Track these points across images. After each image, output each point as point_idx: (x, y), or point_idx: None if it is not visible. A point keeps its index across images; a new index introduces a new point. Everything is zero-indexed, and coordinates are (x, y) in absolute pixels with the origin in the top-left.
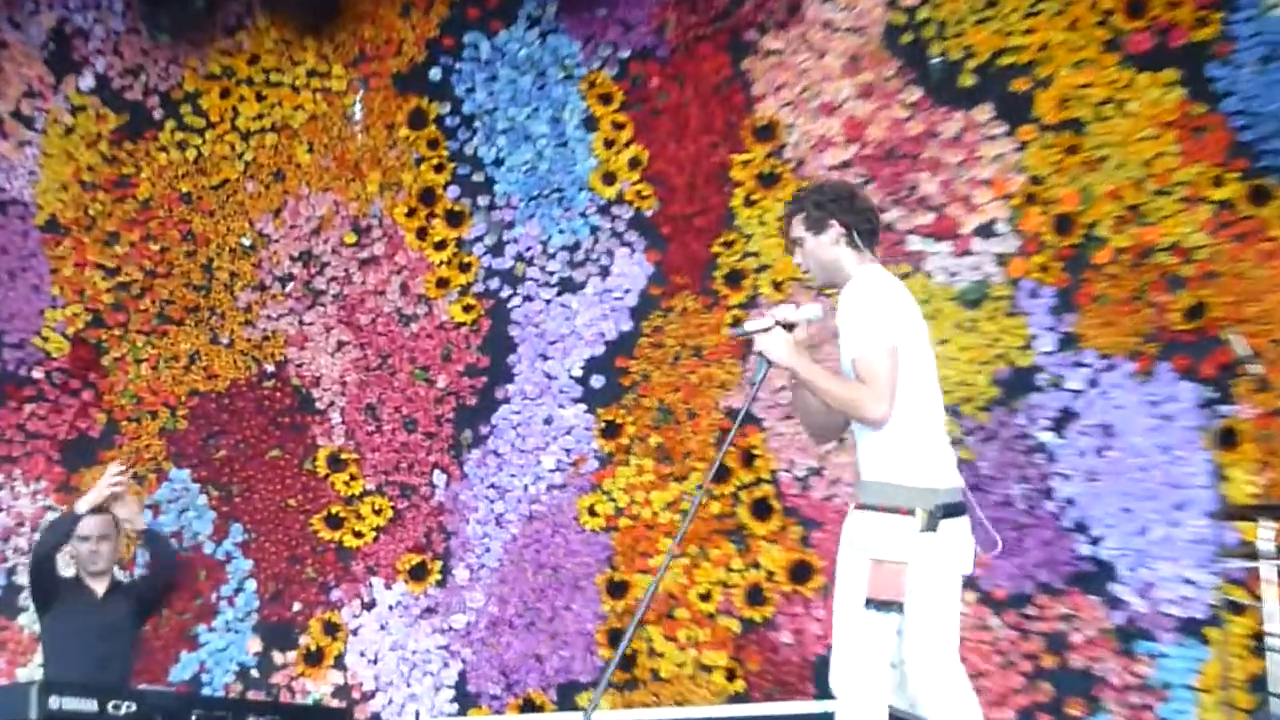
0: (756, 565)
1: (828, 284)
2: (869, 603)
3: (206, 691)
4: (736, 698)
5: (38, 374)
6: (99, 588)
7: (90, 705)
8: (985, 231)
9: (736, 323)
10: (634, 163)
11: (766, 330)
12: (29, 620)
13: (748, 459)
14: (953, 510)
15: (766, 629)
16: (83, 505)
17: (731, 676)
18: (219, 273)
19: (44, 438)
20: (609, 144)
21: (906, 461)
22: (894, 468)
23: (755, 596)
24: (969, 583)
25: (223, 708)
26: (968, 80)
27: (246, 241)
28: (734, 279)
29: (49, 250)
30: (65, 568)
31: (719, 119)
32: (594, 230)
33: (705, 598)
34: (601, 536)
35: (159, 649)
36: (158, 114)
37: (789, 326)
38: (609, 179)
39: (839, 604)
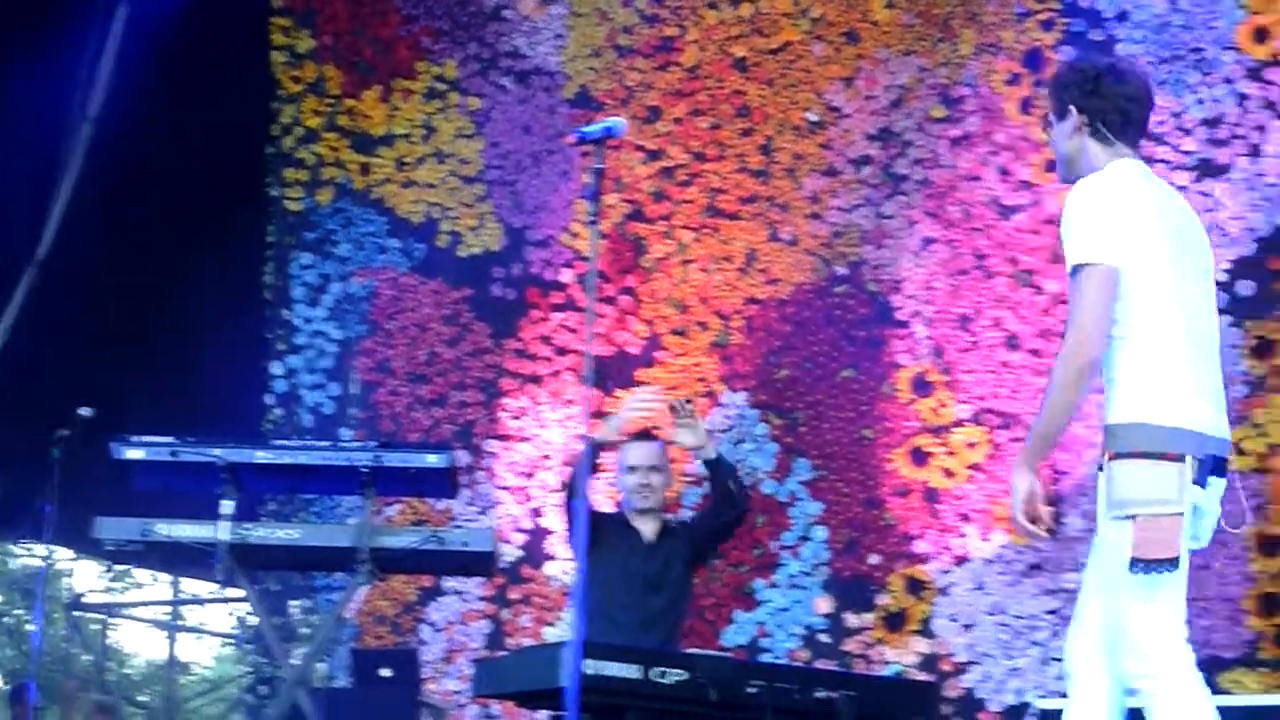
0: None
1: (1067, 179)
2: (1134, 563)
3: (766, 658)
4: None
5: (566, 277)
6: (648, 530)
7: (631, 671)
8: None
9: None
10: None
11: None
12: (557, 570)
13: None
14: (1219, 467)
15: None
16: (602, 432)
17: None
18: (779, 155)
19: (574, 353)
20: None
21: (1164, 399)
22: (1150, 406)
23: None
24: None
25: (786, 678)
26: None
27: (813, 117)
28: None
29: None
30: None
31: None
32: (1242, 100)
33: None
34: (1250, 479)
35: (710, 608)
36: None
37: None
38: (1261, 35)
39: (1106, 585)
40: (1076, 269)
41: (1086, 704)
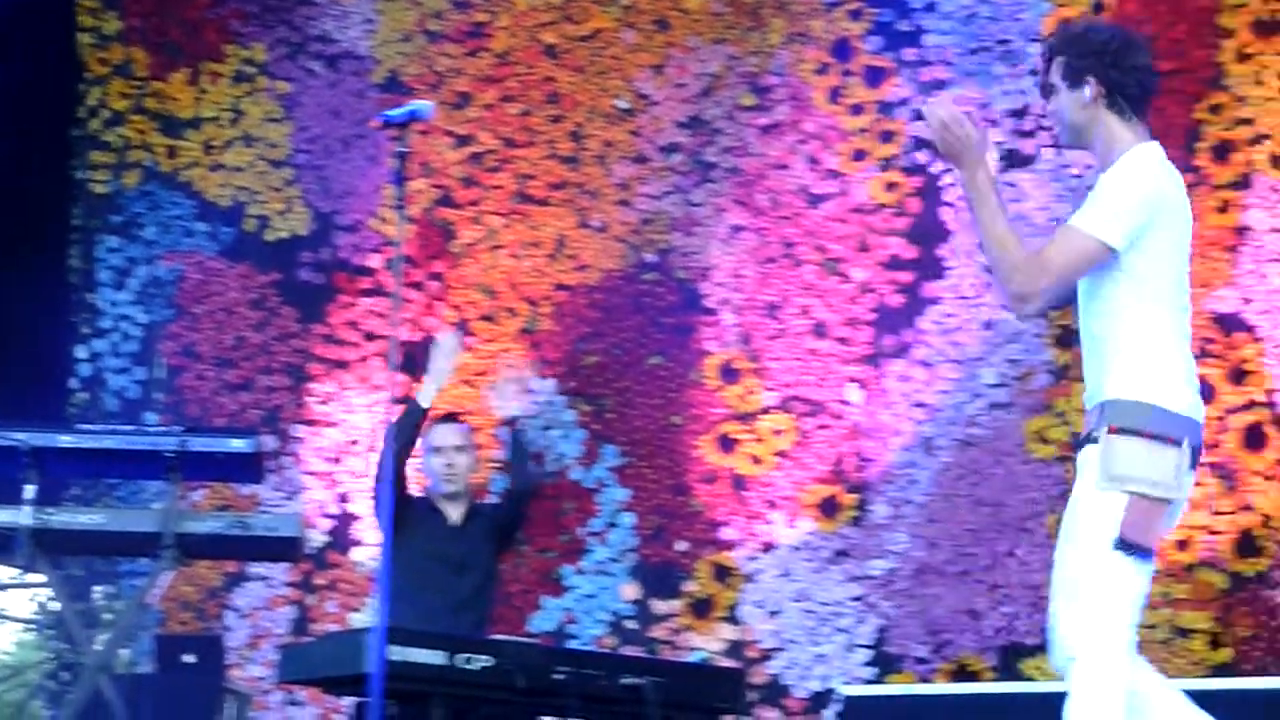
0: (1248, 508)
1: (1070, 145)
2: (1120, 542)
3: (573, 645)
4: (1221, 669)
5: (375, 262)
6: (455, 513)
7: (437, 658)
8: None
9: None
10: (1098, 7)
11: None
12: (364, 556)
13: (1237, 376)
14: (1196, 460)
15: (1260, 586)
16: (425, 396)
17: (1215, 644)
18: (589, 142)
19: (383, 339)
20: None
21: (1168, 384)
22: (1156, 388)
23: (1246, 546)
24: None
25: (592, 664)
26: None
27: (623, 104)
28: (1222, 152)
29: None
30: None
31: None
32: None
33: (1183, 546)
34: (1054, 468)
35: (518, 594)
36: None
37: None
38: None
39: (1080, 546)
40: (1086, 234)
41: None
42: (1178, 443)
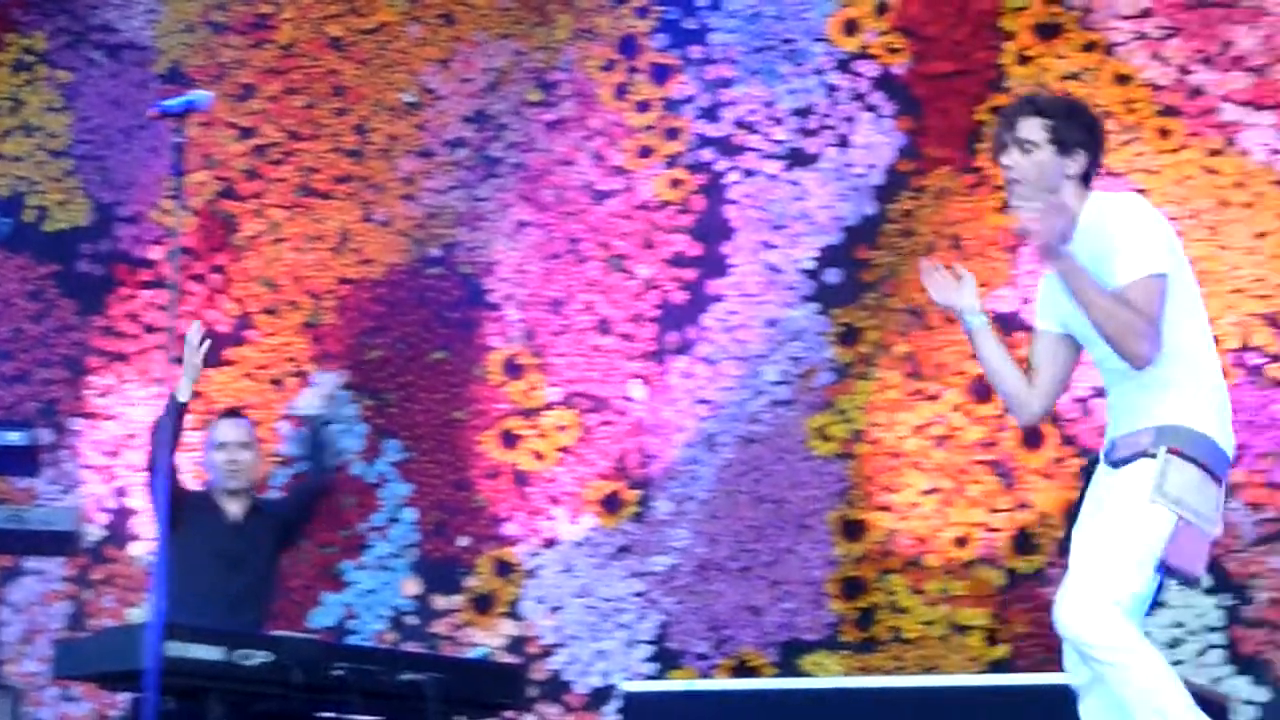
0: (1025, 505)
1: (1022, 205)
2: (1162, 566)
3: (354, 640)
4: (997, 665)
5: (156, 254)
6: (236, 510)
7: (214, 653)
8: None
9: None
10: (881, 8)
11: None
12: (141, 551)
13: None
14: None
15: (1037, 583)
16: (183, 390)
17: (993, 640)
18: (374, 135)
19: (163, 331)
20: None
21: (1223, 422)
22: (1213, 424)
23: (1023, 543)
24: None
25: (372, 660)
26: None
27: (408, 98)
28: None
29: None
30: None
31: None
32: (831, 91)
33: (961, 543)
34: (834, 465)
35: (298, 589)
36: None
37: None
38: (850, 28)
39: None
40: (1145, 277)
41: None
42: (1219, 481)
